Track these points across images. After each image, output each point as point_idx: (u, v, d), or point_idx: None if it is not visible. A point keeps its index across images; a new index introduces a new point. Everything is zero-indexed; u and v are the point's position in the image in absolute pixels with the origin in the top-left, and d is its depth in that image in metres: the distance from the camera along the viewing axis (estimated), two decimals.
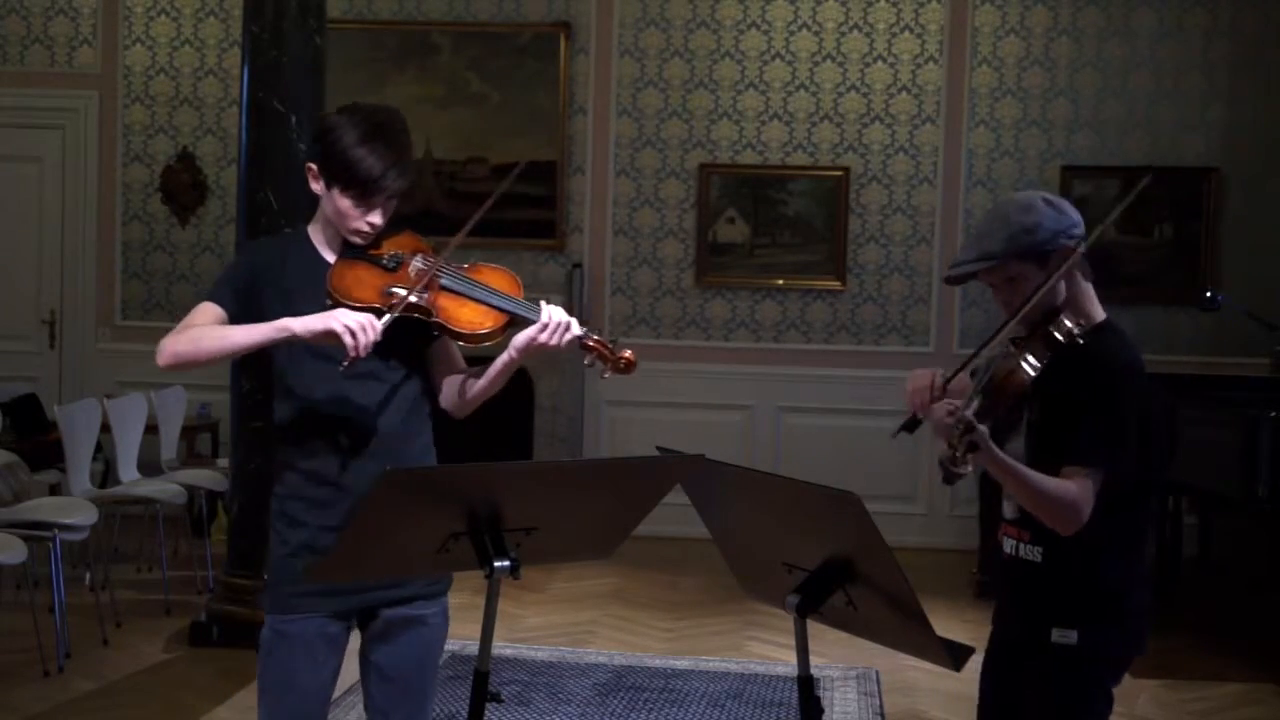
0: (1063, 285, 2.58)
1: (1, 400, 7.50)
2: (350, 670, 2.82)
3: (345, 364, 2.51)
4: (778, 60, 8.22)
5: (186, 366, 2.60)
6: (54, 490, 6.54)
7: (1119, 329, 2.63)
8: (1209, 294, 6.63)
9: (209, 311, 2.66)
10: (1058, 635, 2.52)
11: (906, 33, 8.15)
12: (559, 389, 8.05)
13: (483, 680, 2.35)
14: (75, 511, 5.43)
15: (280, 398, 2.74)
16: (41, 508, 5.47)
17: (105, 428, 6.34)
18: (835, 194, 8.17)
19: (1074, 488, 2.42)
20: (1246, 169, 7.99)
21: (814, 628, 2.26)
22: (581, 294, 7.98)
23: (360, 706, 2.98)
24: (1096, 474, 2.44)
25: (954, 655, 2.20)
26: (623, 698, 5.03)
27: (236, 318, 2.66)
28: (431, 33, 8.26)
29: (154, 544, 6.52)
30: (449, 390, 2.78)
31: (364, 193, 2.63)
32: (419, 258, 2.70)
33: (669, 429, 7.26)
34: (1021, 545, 2.59)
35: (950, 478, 2.32)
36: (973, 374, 2.59)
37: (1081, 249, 2.57)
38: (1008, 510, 2.64)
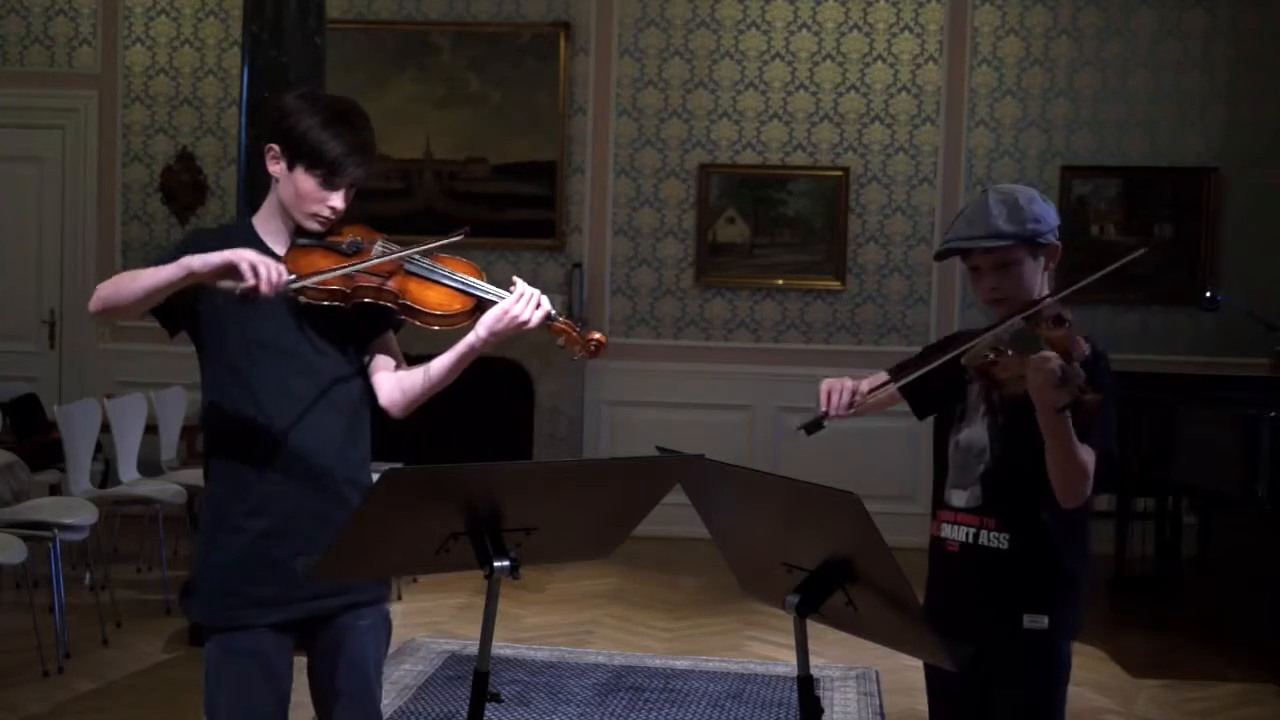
0: (1040, 280, 2.61)
1: (1, 400, 7.50)
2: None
3: (240, 289, 2.37)
4: (778, 60, 8.22)
5: (111, 311, 2.49)
6: (54, 490, 6.54)
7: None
8: (1209, 294, 6.63)
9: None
10: (1029, 621, 2.54)
11: (906, 33, 8.15)
12: (559, 389, 8.05)
13: (483, 680, 2.35)
14: (75, 511, 5.43)
15: (213, 391, 2.63)
16: (41, 508, 5.47)
17: (105, 428, 6.33)
18: (835, 194, 8.17)
19: (1089, 458, 2.45)
20: (1246, 169, 7.99)
21: (814, 628, 2.25)
22: (581, 294, 7.99)
23: None
24: (1095, 453, 2.46)
25: (954, 655, 2.20)
26: (623, 698, 5.03)
27: (171, 302, 2.52)
28: (431, 33, 8.27)
29: (154, 544, 6.52)
30: (391, 388, 2.68)
31: (330, 173, 2.57)
32: (379, 243, 2.64)
33: (669, 429, 7.26)
34: (983, 533, 2.59)
35: (1091, 409, 2.30)
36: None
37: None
38: (961, 499, 2.63)
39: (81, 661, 5.29)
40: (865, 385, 2.66)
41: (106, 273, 8.41)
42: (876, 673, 5.35)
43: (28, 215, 8.54)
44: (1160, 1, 8.02)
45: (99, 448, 6.51)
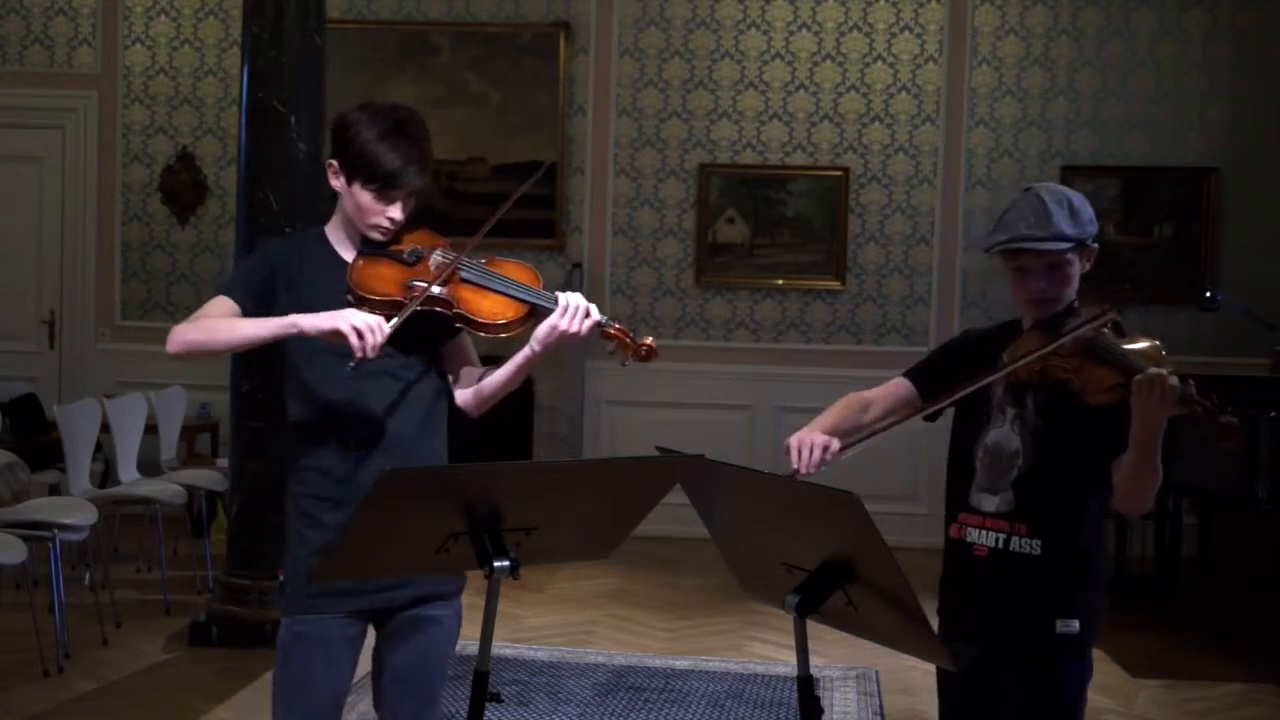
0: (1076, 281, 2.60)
1: (1, 400, 7.50)
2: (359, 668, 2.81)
3: (353, 364, 2.51)
4: (777, 60, 8.22)
5: (196, 355, 2.61)
6: (54, 490, 6.54)
7: None
8: (1209, 294, 6.62)
9: (223, 304, 2.66)
10: (1062, 626, 2.54)
11: (906, 33, 8.15)
12: (559, 389, 8.05)
13: (482, 680, 2.35)
14: (75, 511, 5.43)
15: (293, 395, 2.73)
16: (41, 508, 5.47)
17: (105, 428, 6.33)
18: (835, 194, 8.17)
19: None
20: (1246, 169, 7.99)
21: (814, 628, 2.25)
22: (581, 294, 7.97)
23: (360, 705, 2.98)
24: None
25: (953, 655, 2.20)
26: (623, 698, 5.03)
27: (249, 312, 2.65)
28: (431, 33, 8.27)
29: (154, 544, 6.52)
30: (466, 389, 2.78)
31: (385, 187, 2.64)
32: (438, 252, 2.71)
33: (669, 429, 7.26)
34: (1015, 539, 2.57)
35: (1230, 432, 2.27)
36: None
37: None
38: (991, 504, 2.61)
39: (81, 661, 5.29)
40: (836, 442, 2.61)
41: (106, 272, 8.43)
42: (876, 673, 5.35)
43: (28, 215, 8.54)
44: (1160, 1, 8.02)
45: (99, 448, 6.51)
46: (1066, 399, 2.47)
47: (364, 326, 2.49)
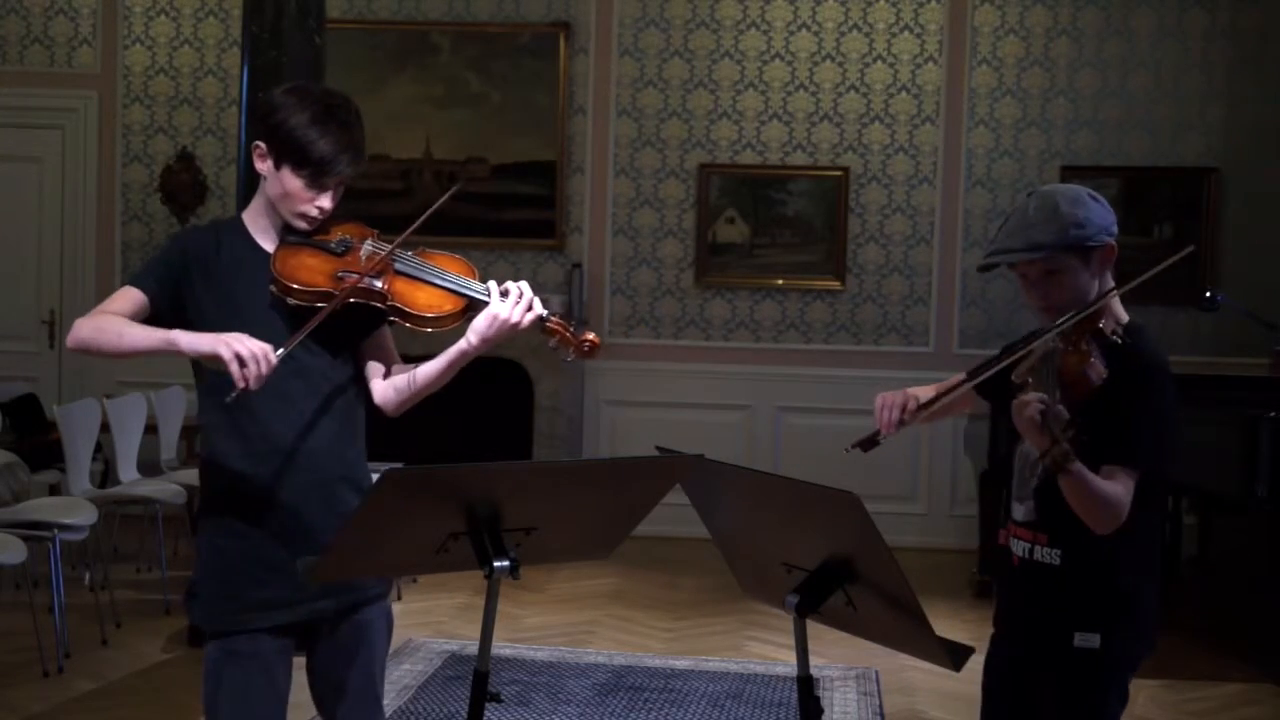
0: (1096, 283, 2.55)
1: (1, 400, 7.50)
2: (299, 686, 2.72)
3: (231, 397, 2.37)
4: (777, 60, 8.22)
5: (90, 354, 2.51)
6: (54, 490, 6.54)
7: (1147, 329, 2.59)
8: (1209, 294, 6.63)
9: (129, 296, 2.54)
10: (1080, 639, 2.48)
11: (906, 33, 8.15)
12: (559, 389, 8.05)
13: (482, 680, 2.34)
14: (75, 511, 5.42)
15: (206, 395, 2.59)
16: (41, 508, 5.47)
17: (105, 428, 6.33)
18: (835, 194, 8.17)
19: (1120, 489, 2.39)
20: (1246, 169, 7.99)
21: (814, 628, 2.25)
22: (581, 294, 7.99)
23: None
24: (1136, 474, 2.41)
25: (954, 655, 2.20)
26: (623, 698, 5.03)
27: (159, 304, 2.54)
28: (431, 33, 8.26)
29: (154, 544, 6.52)
30: (385, 386, 2.66)
31: (317, 173, 2.52)
32: (368, 242, 2.59)
33: (669, 429, 7.26)
34: (1037, 548, 2.54)
35: (1062, 471, 2.23)
36: (984, 384, 2.52)
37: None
38: (1020, 512, 2.58)
39: (81, 661, 5.29)
40: (914, 400, 2.60)
41: (106, 272, 8.43)
42: (876, 673, 5.35)
43: (28, 215, 8.53)
44: (1160, 1, 8.02)
45: (99, 448, 6.51)
46: (1076, 406, 2.44)
47: (248, 354, 2.35)
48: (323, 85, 2.68)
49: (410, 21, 8.28)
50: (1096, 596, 2.50)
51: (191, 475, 6.67)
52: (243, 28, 5.57)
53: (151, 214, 8.50)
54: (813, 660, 2.28)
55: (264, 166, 2.58)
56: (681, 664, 5.53)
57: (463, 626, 5.84)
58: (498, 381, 7.70)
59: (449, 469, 2.21)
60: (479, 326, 2.53)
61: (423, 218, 2.58)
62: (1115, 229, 2.56)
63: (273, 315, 2.55)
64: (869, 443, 2.57)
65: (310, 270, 2.53)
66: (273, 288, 2.53)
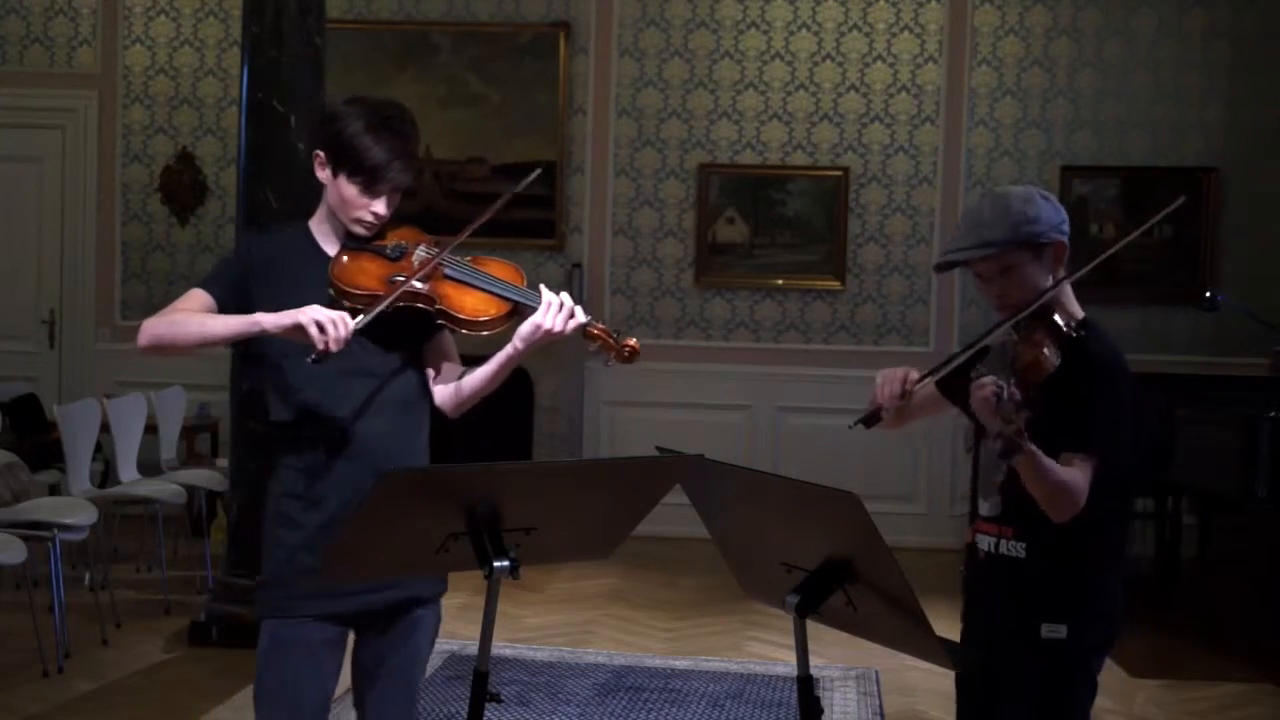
0: (1050, 280, 2.59)
1: (1, 400, 7.50)
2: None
3: (313, 357, 2.46)
4: (777, 60, 8.22)
5: (164, 351, 2.58)
6: (54, 490, 6.54)
7: (1100, 325, 2.63)
8: (1209, 294, 6.63)
9: (197, 298, 2.63)
10: (1047, 630, 2.53)
11: (906, 33, 8.15)
12: (559, 389, 8.05)
13: (482, 680, 2.35)
14: (75, 511, 5.42)
15: (274, 394, 2.69)
16: (41, 508, 5.46)
17: (105, 428, 6.33)
18: (835, 194, 8.17)
19: (1077, 475, 2.44)
20: (1246, 169, 7.99)
21: (814, 628, 2.25)
22: (581, 294, 7.98)
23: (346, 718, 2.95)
24: (1093, 462, 2.46)
25: (954, 655, 2.20)
26: (622, 698, 5.03)
27: (226, 308, 2.62)
28: (431, 33, 8.27)
29: (154, 544, 6.52)
30: (445, 388, 2.75)
31: (370, 180, 2.62)
32: (422, 248, 2.69)
33: (669, 429, 7.26)
34: (1003, 541, 2.58)
35: (1014, 451, 2.26)
36: (950, 388, 2.55)
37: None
38: (985, 508, 2.63)
39: (81, 661, 5.29)
40: (915, 372, 2.63)
41: (106, 272, 8.43)
42: (876, 673, 5.35)
43: (28, 215, 8.54)
44: (1160, 1, 8.02)
45: (99, 448, 6.51)
46: (1034, 400, 2.47)
47: (326, 320, 2.45)
48: (381, 96, 2.79)
49: (410, 21, 8.28)
50: (1062, 588, 2.54)
51: (191, 475, 6.68)
52: (243, 28, 5.57)
53: (151, 214, 8.50)
54: (813, 660, 2.28)
55: (324, 175, 2.69)
56: (681, 664, 5.53)
57: (463, 626, 5.83)
58: None
59: (449, 469, 2.22)
60: (523, 333, 2.61)
61: (476, 222, 2.65)
62: (1067, 228, 2.62)
63: None
64: (872, 418, 2.59)
65: (366, 274, 2.63)
66: (330, 290, 2.62)
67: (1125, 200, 8.05)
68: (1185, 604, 6.71)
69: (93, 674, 5.17)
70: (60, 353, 8.53)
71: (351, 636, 2.75)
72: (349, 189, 2.64)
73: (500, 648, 5.42)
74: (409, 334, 2.69)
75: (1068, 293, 2.61)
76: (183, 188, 8.46)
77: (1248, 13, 7.99)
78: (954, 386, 2.64)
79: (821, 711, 2.26)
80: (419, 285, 2.60)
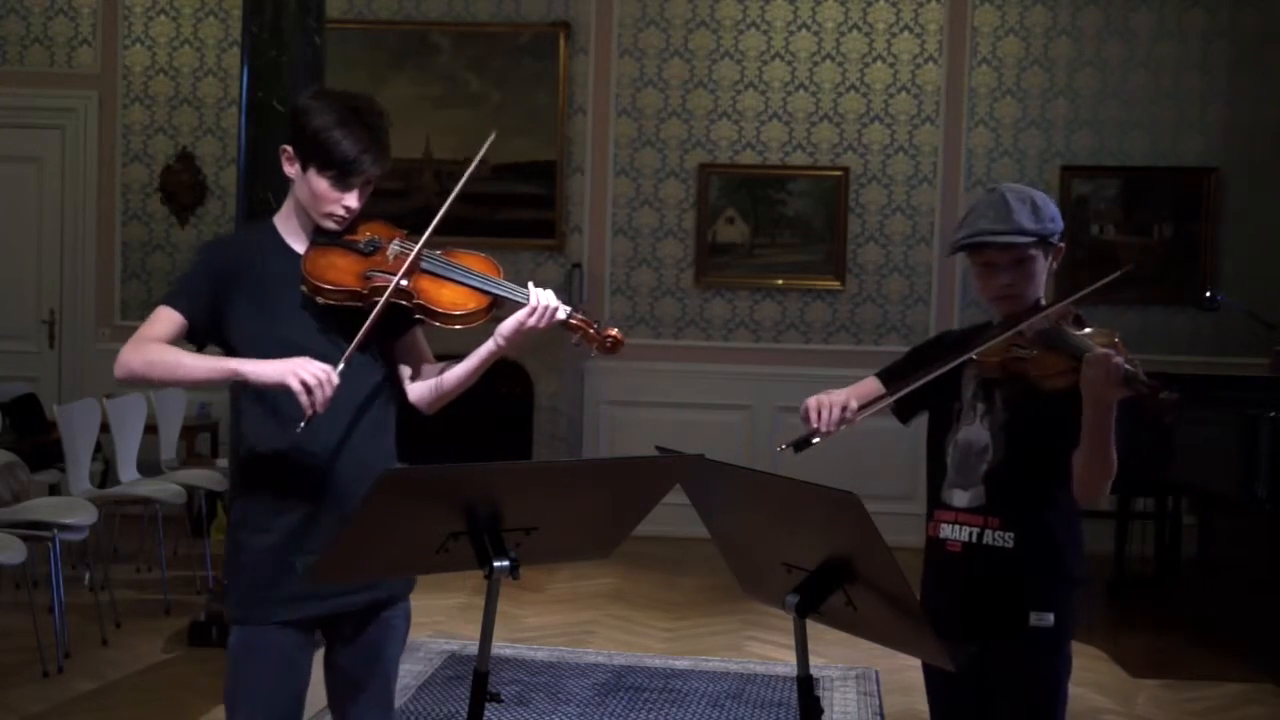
0: (1043, 280, 2.63)
1: (1, 400, 7.50)
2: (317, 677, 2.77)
3: (301, 426, 2.44)
4: (777, 60, 8.22)
5: (140, 383, 2.56)
6: (53, 490, 6.54)
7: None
8: (1209, 294, 6.63)
9: (166, 318, 2.59)
10: (1036, 619, 2.54)
11: (906, 33, 8.15)
12: (559, 389, 8.05)
13: (482, 680, 2.34)
14: (75, 511, 5.42)
15: (244, 393, 2.65)
16: (41, 508, 5.46)
17: (105, 428, 6.33)
18: (835, 194, 8.18)
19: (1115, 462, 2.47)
20: (1246, 169, 7.99)
21: (814, 628, 2.25)
22: (581, 294, 7.98)
23: None
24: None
25: (953, 655, 2.20)
26: (622, 698, 5.03)
27: (195, 320, 2.59)
28: (431, 32, 8.27)
29: (153, 544, 6.52)
30: (422, 385, 2.71)
31: (342, 173, 2.58)
32: (395, 242, 2.65)
33: (669, 429, 7.27)
34: (988, 532, 2.58)
35: (1172, 407, 2.30)
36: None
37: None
38: (963, 499, 2.62)
39: (81, 661, 5.29)
40: (854, 400, 2.65)
41: (106, 272, 8.43)
42: (876, 673, 5.35)
43: (28, 215, 8.54)
44: (1160, 1, 8.02)
45: (99, 448, 6.51)
46: (1032, 393, 2.50)
47: (313, 379, 2.42)
48: (347, 89, 2.74)
49: (410, 21, 8.28)
50: (1049, 576, 2.56)
51: (191, 475, 6.68)
52: (243, 28, 5.57)
53: (151, 214, 8.50)
54: (813, 660, 2.28)
55: (292, 170, 2.66)
56: (681, 664, 5.53)
57: (463, 626, 5.83)
58: (498, 381, 7.70)
59: (448, 469, 2.21)
60: (504, 329, 2.59)
61: (441, 211, 2.66)
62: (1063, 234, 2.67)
63: (304, 315, 2.61)
64: (803, 443, 2.59)
65: (339, 270, 2.59)
66: (303, 288, 2.58)
67: (1125, 200, 8.05)
68: (1185, 604, 6.71)
69: (93, 674, 5.16)
70: (60, 353, 8.53)
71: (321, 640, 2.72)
72: (320, 183, 2.60)
73: (500, 648, 5.42)
74: (382, 331, 2.63)
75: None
76: (183, 188, 8.46)
77: (1248, 13, 7.99)
78: (909, 395, 2.65)
79: (821, 711, 2.26)
80: (404, 282, 2.57)
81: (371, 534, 2.24)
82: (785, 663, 5.46)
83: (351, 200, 2.62)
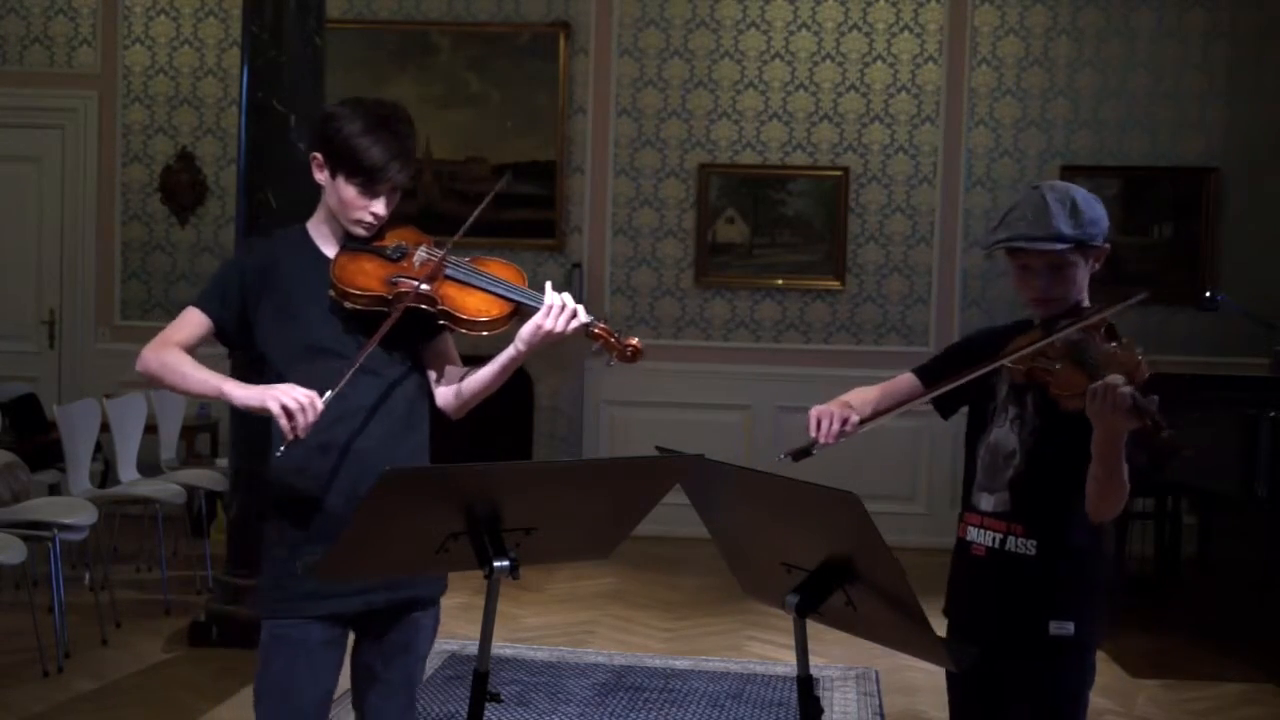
0: (1085, 283, 2.58)
1: (1, 400, 7.50)
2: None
3: (280, 451, 2.50)
4: (777, 60, 8.22)
5: (154, 384, 2.64)
6: (53, 490, 6.54)
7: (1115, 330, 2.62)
8: (1209, 294, 6.63)
9: (194, 321, 2.68)
10: (1055, 628, 2.52)
11: (906, 33, 8.15)
12: (559, 389, 8.05)
13: (482, 680, 2.35)
14: (75, 511, 5.43)
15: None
16: (41, 508, 5.47)
17: (105, 428, 6.33)
18: (835, 194, 8.18)
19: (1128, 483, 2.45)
20: (1246, 169, 7.99)
21: (814, 628, 2.25)
22: (581, 294, 7.98)
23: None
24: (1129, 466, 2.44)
25: (954, 655, 2.20)
26: (622, 698, 5.03)
27: (224, 323, 2.67)
28: (431, 33, 8.27)
29: (153, 544, 6.52)
30: (446, 389, 2.76)
31: (369, 181, 2.63)
32: (423, 249, 2.70)
33: (669, 429, 7.27)
34: (1010, 539, 2.56)
35: (1173, 450, 2.22)
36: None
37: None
38: (989, 503, 2.60)
39: (81, 661, 5.29)
40: (862, 411, 2.63)
41: (106, 272, 8.43)
42: (876, 673, 5.35)
43: (28, 215, 8.53)
44: (1160, 1, 8.02)
45: (98, 448, 6.51)
46: (1056, 405, 2.46)
47: (295, 405, 2.47)
48: (377, 97, 2.78)
49: (410, 21, 8.28)
50: (1071, 585, 2.54)
51: (191, 475, 6.69)
52: (243, 28, 5.57)
53: (151, 214, 8.50)
54: (813, 660, 2.28)
55: (321, 177, 2.69)
56: (681, 664, 5.53)
57: (463, 626, 5.83)
58: None
59: (448, 469, 2.22)
60: (524, 334, 2.62)
61: (470, 220, 2.67)
62: (1107, 233, 2.60)
63: (332, 319, 2.66)
64: (802, 453, 2.58)
65: (366, 275, 2.63)
66: (331, 292, 2.63)
67: (1125, 200, 8.04)
68: (1185, 604, 6.70)
69: (93, 674, 5.17)
70: (60, 353, 8.53)
71: (351, 636, 2.75)
72: (348, 190, 2.65)
73: (500, 648, 5.43)
74: (409, 335, 2.68)
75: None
76: (183, 188, 8.46)
77: (1248, 13, 7.99)
78: (953, 401, 2.65)
79: (821, 711, 2.26)
80: (424, 287, 2.61)
81: (372, 533, 2.24)
82: (785, 663, 5.46)
83: (379, 207, 2.68)
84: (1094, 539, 2.55)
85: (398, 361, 2.69)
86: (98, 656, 5.39)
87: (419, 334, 2.71)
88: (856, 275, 8.19)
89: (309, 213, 2.80)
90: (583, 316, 2.62)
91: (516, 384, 8.89)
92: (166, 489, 6.29)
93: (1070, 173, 7.97)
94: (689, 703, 5.01)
